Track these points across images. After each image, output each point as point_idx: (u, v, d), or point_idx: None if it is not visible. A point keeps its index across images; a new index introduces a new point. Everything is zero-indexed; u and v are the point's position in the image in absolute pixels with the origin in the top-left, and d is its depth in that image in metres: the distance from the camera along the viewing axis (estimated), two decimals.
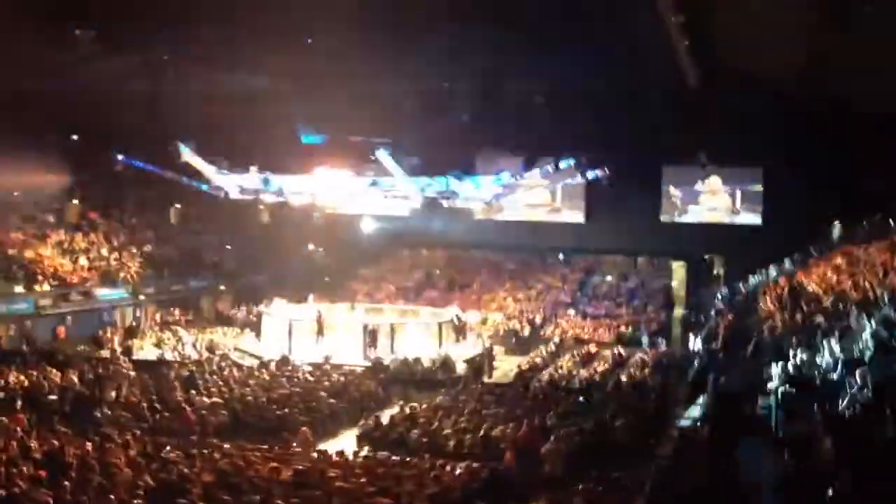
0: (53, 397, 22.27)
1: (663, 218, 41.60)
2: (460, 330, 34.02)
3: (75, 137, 32.23)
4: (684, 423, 15.83)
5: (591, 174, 30.82)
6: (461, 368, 28.92)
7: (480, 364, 29.76)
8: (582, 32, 21.93)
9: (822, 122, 30.63)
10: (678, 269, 43.66)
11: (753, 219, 40.12)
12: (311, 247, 43.91)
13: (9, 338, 28.26)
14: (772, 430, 11.40)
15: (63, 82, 27.24)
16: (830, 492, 7.91)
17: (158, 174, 29.39)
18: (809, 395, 11.33)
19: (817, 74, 25.30)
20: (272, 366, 27.61)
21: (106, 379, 23.99)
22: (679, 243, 41.37)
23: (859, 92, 25.97)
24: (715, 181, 40.48)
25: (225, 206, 34.31)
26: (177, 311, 36.51)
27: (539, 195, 41.73)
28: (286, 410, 21.87)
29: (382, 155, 27.24)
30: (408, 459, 17.70)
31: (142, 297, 34.71)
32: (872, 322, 14.15)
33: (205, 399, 22.46)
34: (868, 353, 12.58)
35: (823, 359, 13.76)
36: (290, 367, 27.38)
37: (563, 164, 29.68)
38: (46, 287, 30.31)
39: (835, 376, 12.44)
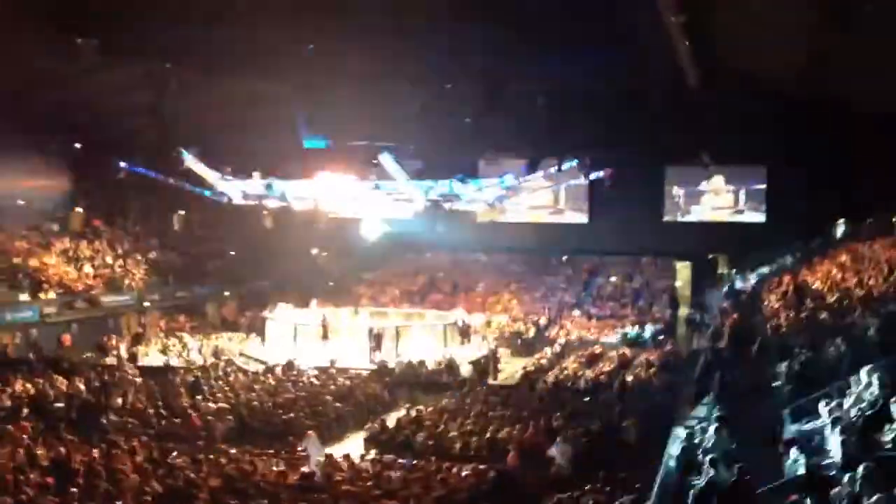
0: (60, 405, 22.34)
1: (666, 218, 41.63)
2: (465, 332, 34.02)
3: (78, 145, 32.25)
4: (691, 422, 15.81)
5: (593, 175, 30.75)
6: (466, 371, 28.90)
7: (486, 366, 29.76)
8: (583, 33, 21.97)
9: (823, 121, 30.66)
10: (682, 269, 43.57)
11: (757, 217, 40.13)
12: (314, 251, 43.95)
13: (15, 346, 28.29)
14: None
15: (66, 90, 27.32)
16: None
17: (161, 181, 29.37)
18: None
19: (818, 74, 25.32)
20: (277, 370, 27.63)
21: (112, 386, 24.07)
22: (683, 243, 41.35)
23: (860, 91, 26.01)
24: (718, 180, 40.51)
25: (228, 212, 34.31)
26: (182, 318, 36.57)
27: (542, 197, 41.77)
28: (292, 415, 21.91)
29: (385, 159, 27.23)
30: (414, 462, 17.71)
31: (147, 304, 34.75)
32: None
33: (211, 405, 22.50)
34: None
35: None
36: (295, 372, 27.38)
37: (566, 166, 29.61)
38: (52, 295, 30.34)
39: None
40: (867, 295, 18.92)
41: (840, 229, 31.82)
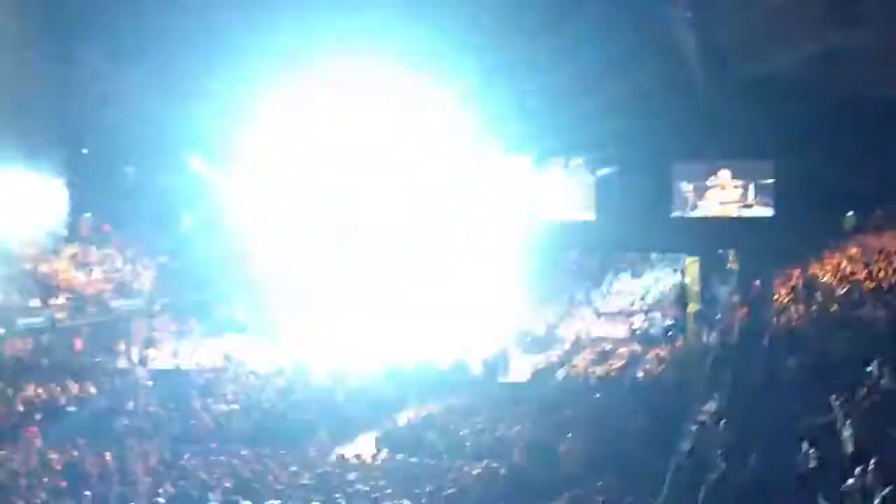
0: (72, 409, 22.42)
1: (674, 214, 41.46)
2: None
3: (85, 151, 32.33)
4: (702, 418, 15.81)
5: (601, 172, 30.72)
6: (477, 369, 28.87)
7: (496, 364, 29.72)
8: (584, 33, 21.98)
9: (830, 113, 30.52)
10: (691, 265, 43.37)
11: (766, 212, 39.96)
12: None
13: (27, 351, 28.39)
14: None
15: (72, 96, 27.43)
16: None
17: (170, 184, 29.47)
18: None
19: (825, 67, 25.24)
20: (288, 371, 27.64)
21: (124, 389, 24.15)
22: (691, 238, 41.13)
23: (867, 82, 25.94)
24: (725, 175, 40.35)
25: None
26: (192, 320, 36.57)
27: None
28: (303, 415, 21.94)
29: None
30: (426, 461, 17.74)
31: (157, 307, 34.79)
32: None
33: (222, 406, 22.56)
34: None
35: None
36: (305, 372, 27.40)
37: (573, 163, 29.59)
38: (62, 300, 30.42)
39: None
40: (877, 287, 18.84)
41: (849, 221, 31.64)
